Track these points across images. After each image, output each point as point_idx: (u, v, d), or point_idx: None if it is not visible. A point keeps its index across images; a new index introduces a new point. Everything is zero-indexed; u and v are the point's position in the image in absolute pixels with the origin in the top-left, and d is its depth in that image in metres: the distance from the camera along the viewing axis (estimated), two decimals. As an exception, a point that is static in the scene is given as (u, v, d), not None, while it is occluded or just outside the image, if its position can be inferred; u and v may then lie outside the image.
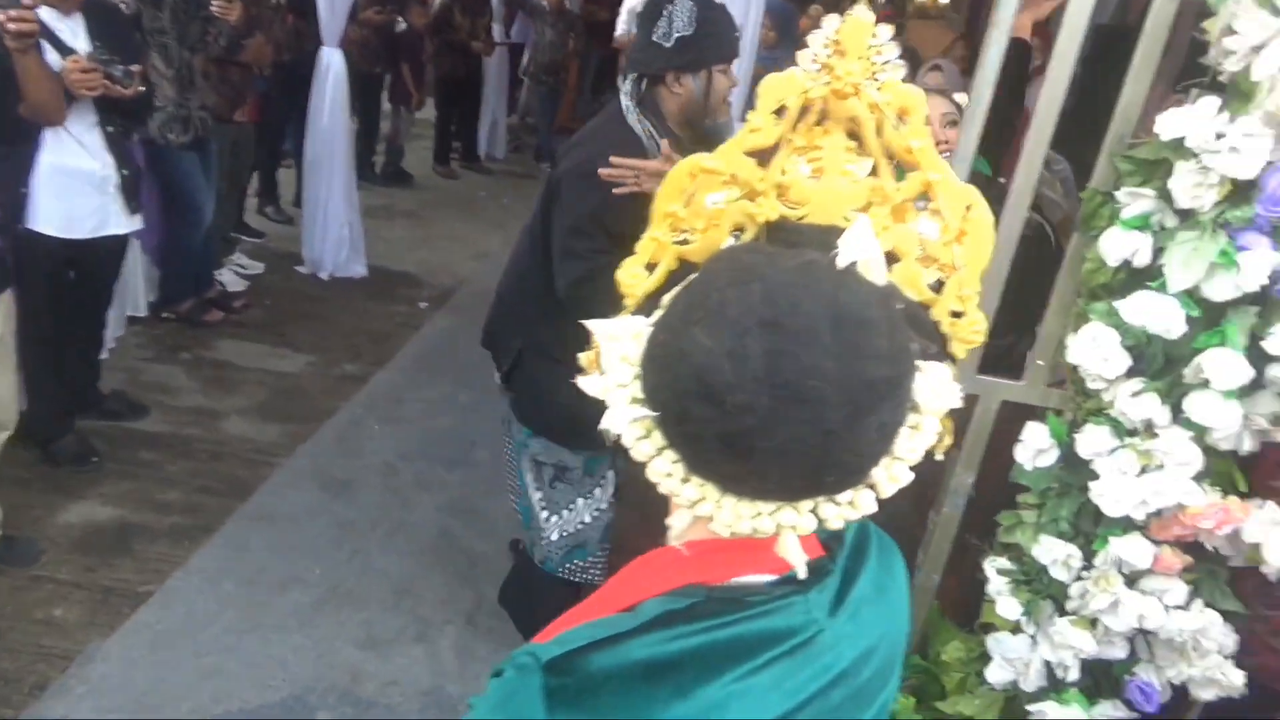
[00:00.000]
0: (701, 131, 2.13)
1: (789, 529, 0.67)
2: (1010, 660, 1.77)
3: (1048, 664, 1.74)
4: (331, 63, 4.66)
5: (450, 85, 7.24)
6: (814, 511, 0.66)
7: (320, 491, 3.21)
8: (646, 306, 0.71)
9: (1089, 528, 1.68)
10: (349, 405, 3.78)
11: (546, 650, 0.66)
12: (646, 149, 2.12)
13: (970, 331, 0.67)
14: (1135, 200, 1.49)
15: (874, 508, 0.67)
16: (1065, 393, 1.73)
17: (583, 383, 0.66)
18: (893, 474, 0.65)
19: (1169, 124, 1.42)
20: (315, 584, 2.77)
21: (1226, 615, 1.66)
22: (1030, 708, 1.74)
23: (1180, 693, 1.71)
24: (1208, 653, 1.66)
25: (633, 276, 0.70)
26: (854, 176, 0.64)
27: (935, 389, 0.63)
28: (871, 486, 0.66)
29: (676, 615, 0.68)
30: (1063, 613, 1.71)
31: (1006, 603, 1.75)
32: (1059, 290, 1.67)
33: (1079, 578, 1.66)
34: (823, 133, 0.65)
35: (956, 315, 0.67)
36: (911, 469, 0.67)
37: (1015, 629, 1.77)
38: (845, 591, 0.78)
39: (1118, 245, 1.49)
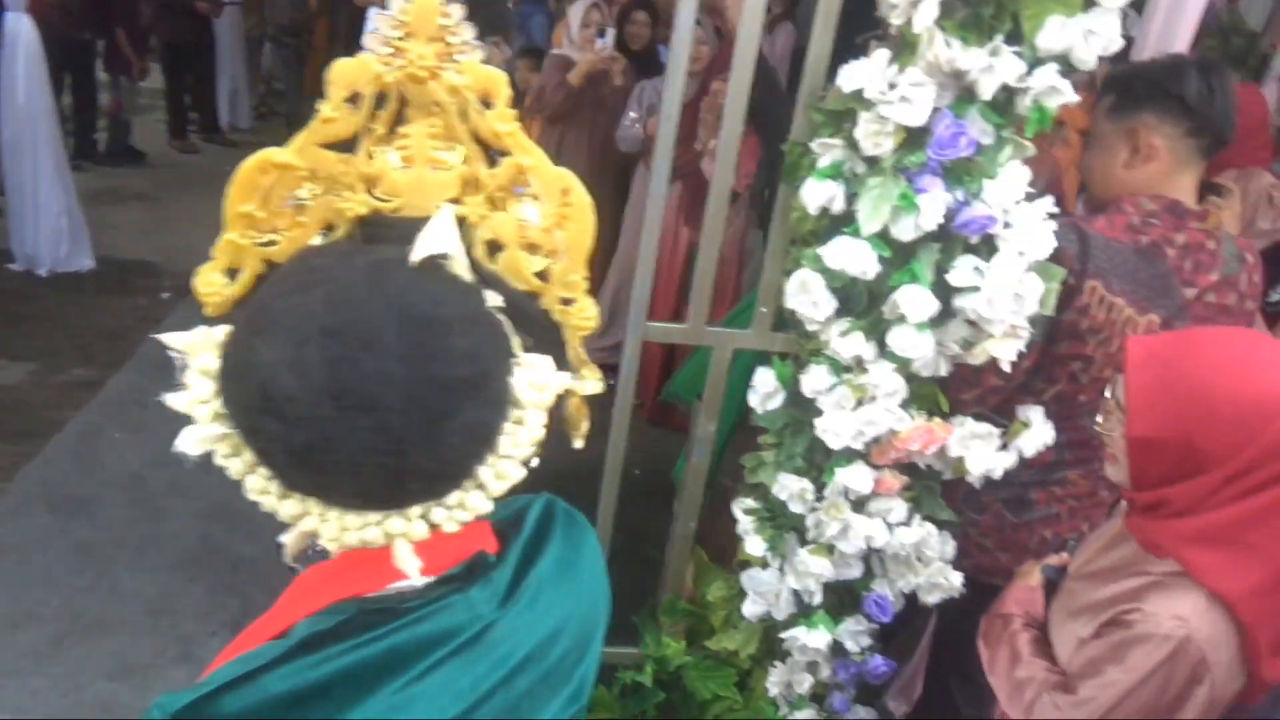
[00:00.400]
0: None
1: (399, 537, 0.65)
2: (762, 593, 1.86)
3: (795, 592, 1.85)
4: (19, 30, 4.13)
5: (176, 50, 6.64)
6: (424, 517, 0.65)
7: (51, 515, 2.90)
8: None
9: (821, 461, 1.78)
10: (82, 415, 3.43)
11: (175, 700, 0.61)
12: None
13: (581, 319, 0.66)
14: (827, 150, 1.57)
15: (487, 507, 0.66)
16: (790, 337, 1.81)
17: (168, 399, 0.61)
18: (500, 472, 0.64)
19: (849, 76, 1.50)
20: (52, 618, 2.51)
21: (943, 525, 1.82)
22: (783, 635, 1.85)
23: (913, 599, 1.87)
24: (931, 561, 1.82)
25: (208, 284, 0.65)
26: (446, 164, 0.62)
27: (536, 382, 0.62)
28: (481, 486, 0.65)
29: (324, 636, 0.65)
30: (804, 543, 1.82)
31: (753, 540, 1.84)
32: (773, 240, 1.75)
33: (814, 509, 1.77)
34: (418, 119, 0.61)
35: (567, 303, 0.66)
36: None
37: (764, 564, 1.87)
38: (521, 578, 0.77)
39: (815, 194, 1.57)
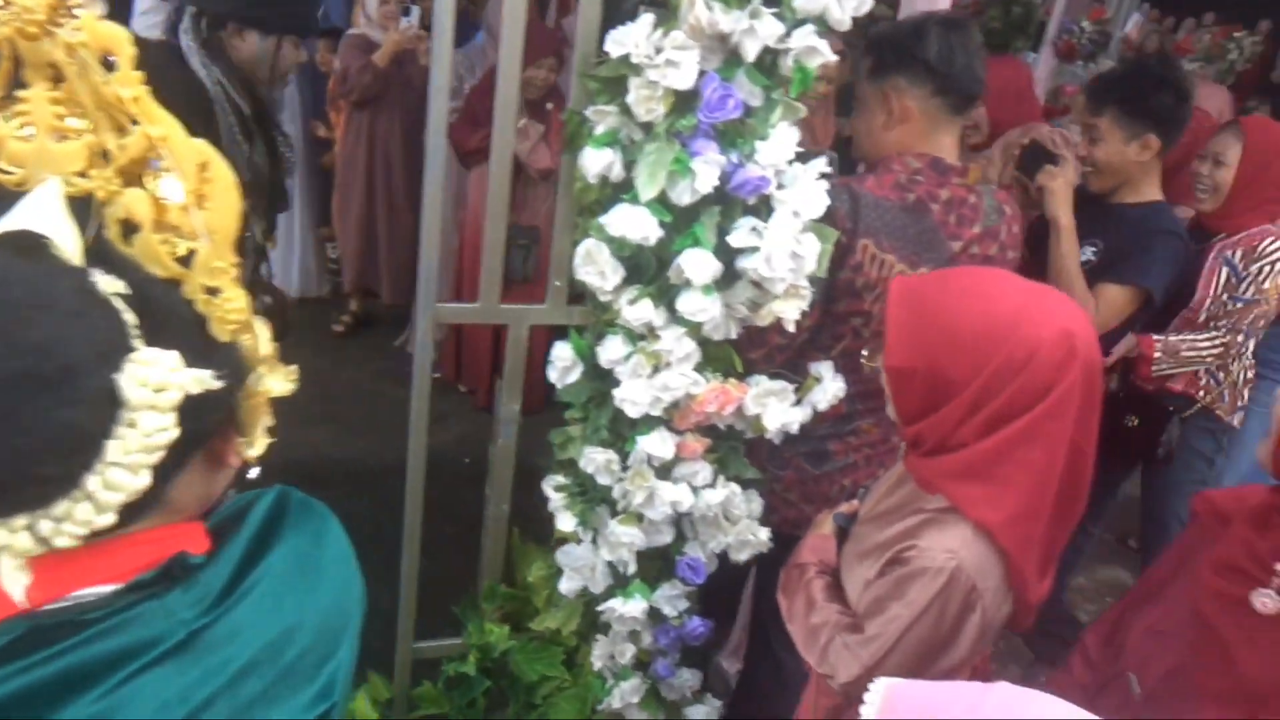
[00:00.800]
0: (259, 96, 2.04)
1: (3, 551, 0.59)
2: (577, 569, 1.86)
3: (610, 564, 1.85)
4: None
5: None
6: (30, 529, 0.58)
7: None
8: None
9: (626, 431, 1.78)
10: None
11: None
12: (214, 98, 1.92)
13: (228, 310, 0.61)
14: (603, 118, 1.56)
15: (105, 519, 0.60)
16: (586, 309, 1.80)
17: None
18: (110, 481, 0.57)
19: (616, 41, 1.49)
20: None
21: (748, 484, 1.86)
22: (601, 607, 1.85)
23: (726, 558, 1.91)
24: (739, 519, 1.86)
25: None
26: (74, 132, 0.55)
27: (151, 381, 0.56)
28: (90, 497, 0.59)
29: None
30: (614, 514, 1.82)
31: (564, 516, 1.83)
32: (560, 211, 1.72)
33: (620, 479, 1.77)
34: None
35: (212, 292, 0.60)
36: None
37: (577, 539, 1.86)
38: (241, 578, 0.72)
39: (593, 161, 1.56)
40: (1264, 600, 1.09)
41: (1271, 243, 2.39)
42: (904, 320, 1.23)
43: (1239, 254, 2.40)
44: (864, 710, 0.67)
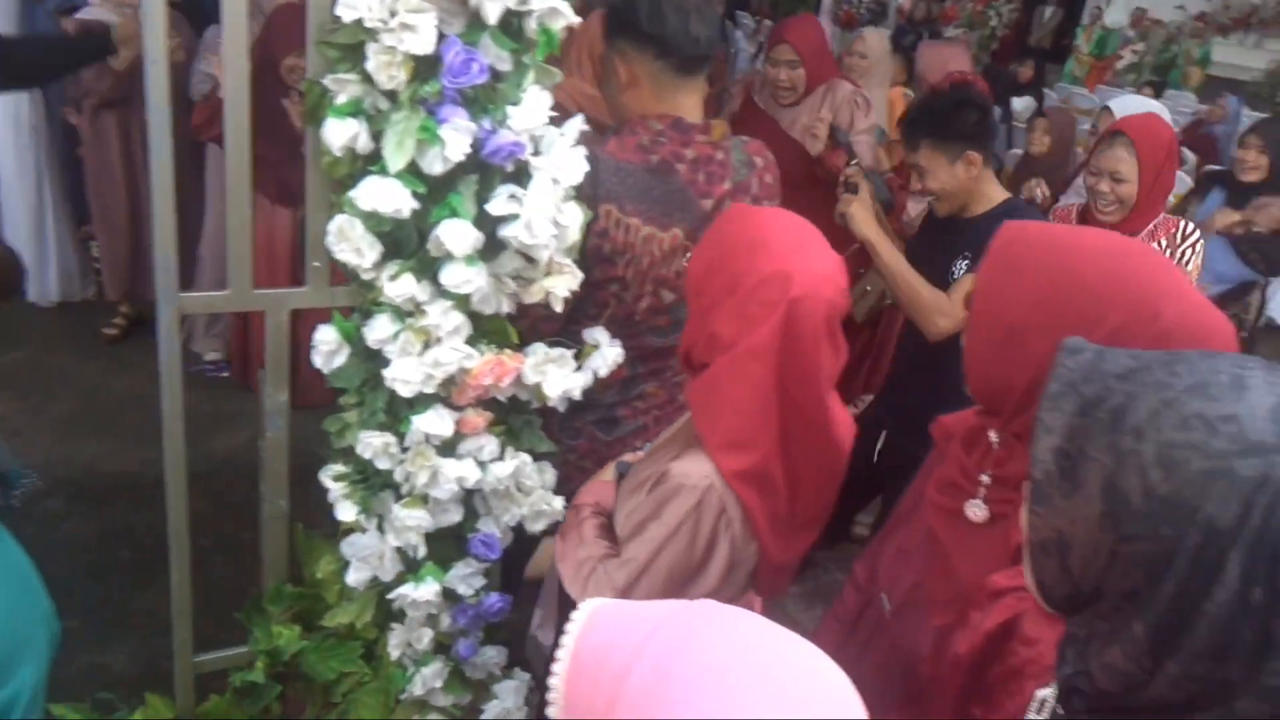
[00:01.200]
0: None
1: None
2: (365, 558, 1.79)
3: (400, 550, 1.79)
4: None
5: None
6: None
7: None
8: None
9: (403, 412, 1.73)
10: None
11: None
12: None
13: None
14: (343, 86, 1.48)
15: None
16: (351, 289, 1.73)
17: None
18: None
19: (348, 5, 1.42)
20: None
21: (540, 456, 1.85)
22: (392, 595, 1.79)
23: (522, 530, 1.89)
24: (532, 490, 1.85)
25: None
26: None
27: None
28: None
29: None
30: (399, 498, 1.76)
31: (344, 506, 1.76)
32: (311, 187, 1.64)
33: (401, 461, 1.71)
34: None
35: None
36: None
37: (362, 528, 1.79)
38: None
39: (337, 133, 1.48)
40: (974, 510, 1.19)
41: (1187, 226, 2.64)
42: (703, 258, 1.34)
43: (1164, 243, 2.61)
44: (567, 629, 0.67)
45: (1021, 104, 7.40)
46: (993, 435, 1.20)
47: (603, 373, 1.79)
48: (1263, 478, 0.63)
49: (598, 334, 1.76)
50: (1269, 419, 0.64)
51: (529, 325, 1.71)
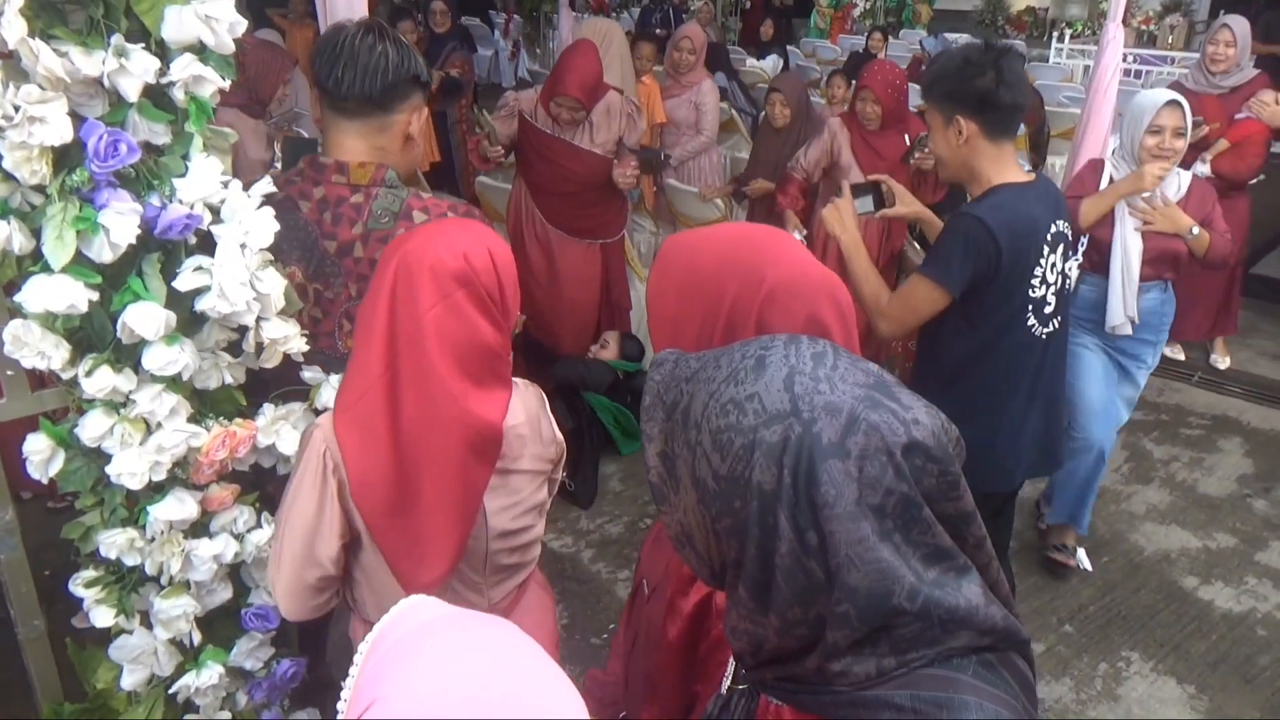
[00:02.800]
0: None
1: None
2: (137, 659, 1.73)
3: (174, 641, 1.74)
4: None
5: None
6: None
7: None
8: None
9: (144, 502, 1.67)
10: None
11: None
12: None
13: None
14: (-9, 189, 1.42)
15: None
16: (60, 390, 1.65)
17: None
18: None
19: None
20: None
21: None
22: (174, 688, 1.74)
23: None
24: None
25: None
26: None
27: None
28: None
29: None
30: (160, 590, 1.71)
31: (100, 612, 1.69)
32: (-19, 296, 1.55)
33: (149, 554, 1.66)
34: None
35: None
36: None
37: (126, 629, 1.73)
38: None
39: (-10, 238, 1.42)
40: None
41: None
42: None
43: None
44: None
45: (769, 63, 7.79)
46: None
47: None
48: (784, 441, 0.72)
49: (315, 372, 1.75)
50: (782, 389, 0.74)
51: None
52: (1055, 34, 12.32)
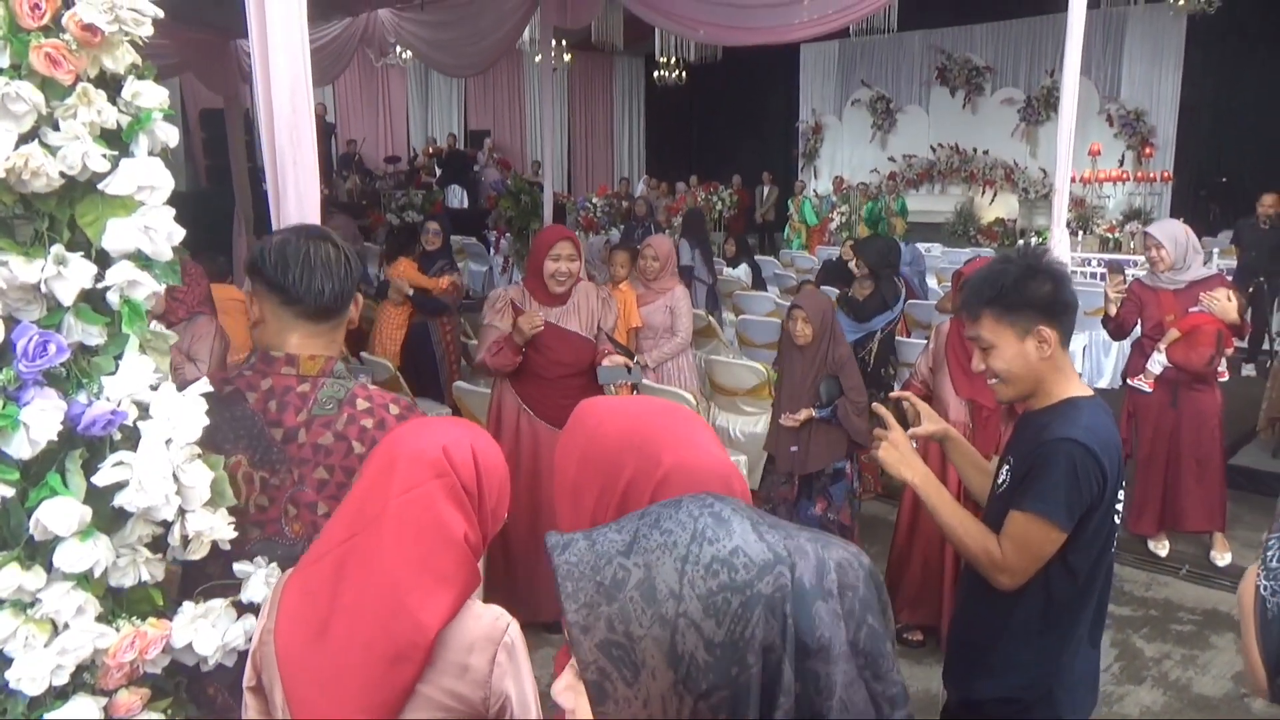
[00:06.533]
0: None
1: None
2: None
3: None
4: None
5: None
6: None
7: None
8: None
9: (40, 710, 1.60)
10: None
11: None
12: None
13: None
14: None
15: None
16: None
17: None
18: None
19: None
20: None
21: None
22: None
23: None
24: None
25: None
26: None
27: None
28: None
29: None
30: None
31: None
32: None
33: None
34: None
35: None
36: None
37: None
38: None
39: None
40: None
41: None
42: None
43: None
44: None
45: (741, 271, 8.24)
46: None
47: (259, 599, 1.73)
48: (780, 590, 0.72)
49: (246, 566, 1.72)
50: (757, 539, 0.74)
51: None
52: (1024, 241, 12.96)
